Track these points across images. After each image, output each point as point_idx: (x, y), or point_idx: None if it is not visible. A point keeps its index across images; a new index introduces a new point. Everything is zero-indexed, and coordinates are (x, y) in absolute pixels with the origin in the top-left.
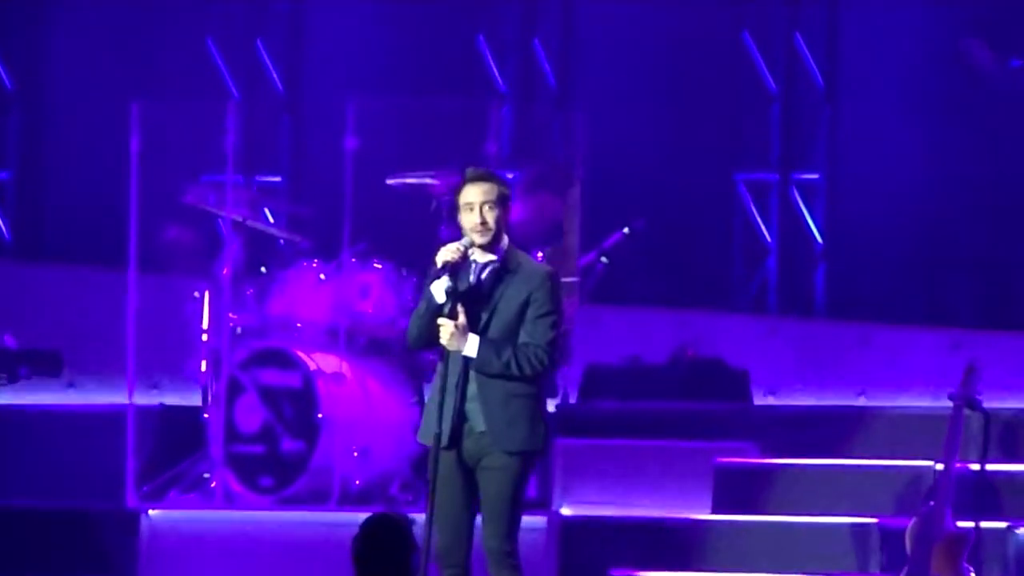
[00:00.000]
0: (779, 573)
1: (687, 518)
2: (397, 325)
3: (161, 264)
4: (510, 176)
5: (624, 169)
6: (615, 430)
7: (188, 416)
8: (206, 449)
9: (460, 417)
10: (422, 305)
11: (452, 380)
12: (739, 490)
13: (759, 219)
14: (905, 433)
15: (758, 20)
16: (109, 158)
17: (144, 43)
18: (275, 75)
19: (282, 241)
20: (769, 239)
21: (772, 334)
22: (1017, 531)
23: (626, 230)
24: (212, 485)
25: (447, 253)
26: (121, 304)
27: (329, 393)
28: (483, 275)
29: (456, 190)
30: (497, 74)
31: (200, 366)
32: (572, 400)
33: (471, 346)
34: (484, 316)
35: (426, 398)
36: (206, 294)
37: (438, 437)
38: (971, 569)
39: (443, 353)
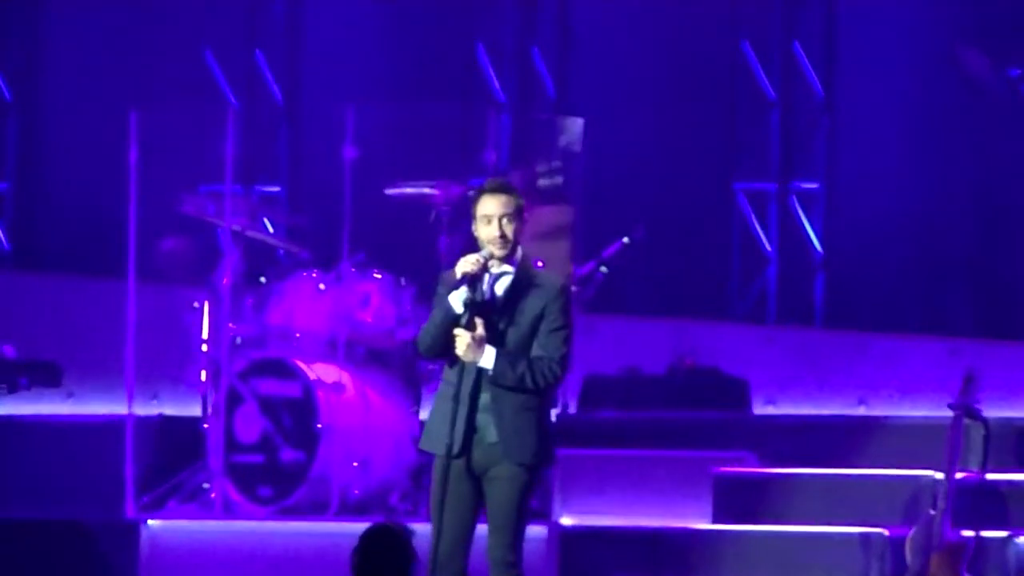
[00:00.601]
0: None
1: (687, 527)
2: (396, 335)
3: (160, 274)
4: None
5: (623, 178)
6: (614, 440)
7: (187, 426)
8: (205, 459)
9: (471, 427)
10: (437, 315)
11: (465, 390)
12: (739, 499)
13: (758, 228)
14: (905, 442)
15: (756, 28)
16: (107, 167)
17: (142, 52)
18: (274, 84)
19: (281, 251)
20: (768, 248)
21: (771, 343)
22: (1017, 540)
23: (625, 240)
24: (211, 495)
25: (467, 264)
26: (120, 314)
27: (328, 403)
28: (495, 285)
29: (473, 200)
30: (496, 83)
31: (199, 376)
32: (571, 410)
33: (487, 358)
34: (500, 326)
35: (423, 407)
36: (205, 304)
37: (449, 447)
38: None
39: (453, 362)
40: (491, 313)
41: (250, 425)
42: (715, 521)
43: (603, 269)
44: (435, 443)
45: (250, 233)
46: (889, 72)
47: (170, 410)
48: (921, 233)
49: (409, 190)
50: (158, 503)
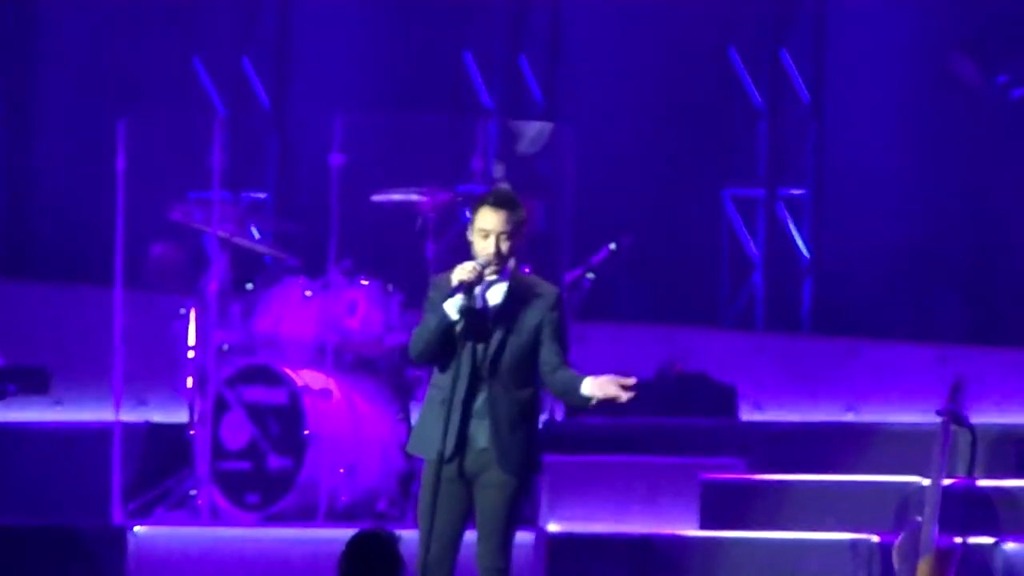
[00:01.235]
0: None
1: (674, 534)
2: (384, 342)
3: (149, 281)
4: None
5: (611, 185)
6: (602, 446)
7: (174, 433)
8: (192, 466)
9: (463, 433)
10: (431, 320)
11: (458, 396)
12: (726, 506)
13: (746, 234)
14: (892, 448)
15: (744, 36)
16: (96, 175)
17: (131, 60)
18: (261, 92)
19: (268, 258)
20: (756, 254)
21: (759, 349)
22: (1004, 546)
23: (612, 246)
24: (198, 502)
25: (463, 272)
26: (108, 321)
27: (315, 410)
28: (487, 293)
29: (474, 207)
30: (484, 90)
31: (186, 383)
32: (558, 417)
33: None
34: (497, 334)
35: (412, 414)
36: (192, 311)
37: (441, 453)
38: None
39: (445, 368)
40: (486, 321)
41: (237, 432)
42: (702, 527)
43: (590, 275)
44: (425, 448)
45: (237, 240)
46: (877, 79)
47: (157, 417)
48: (909, 239)
49: (396, 197)
50: (145, 510)
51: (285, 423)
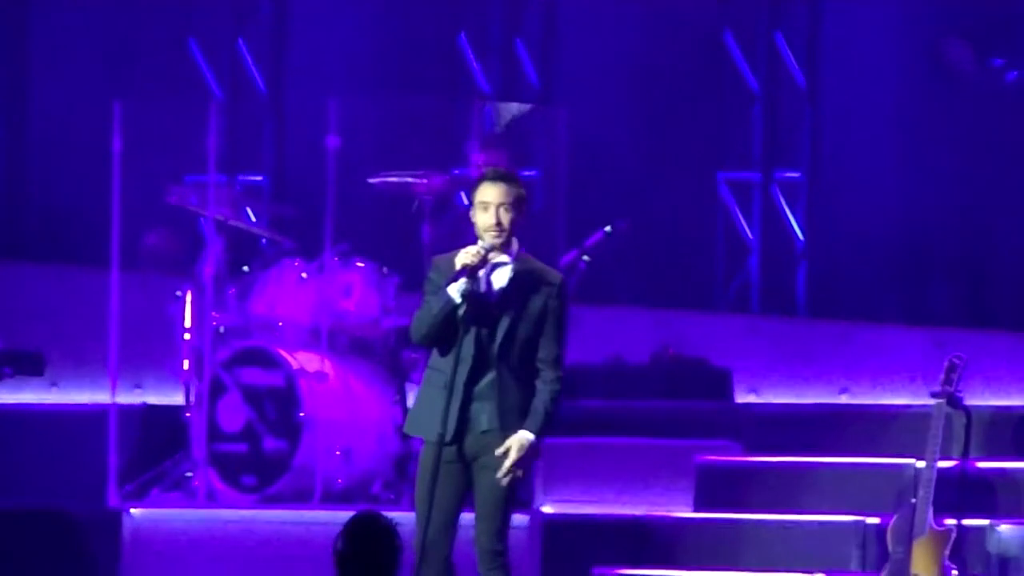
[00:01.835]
0: (761, 571)
1: (669, 516)
2: (379, 324)
3: (143, 267)
4: None
5: (606, 168)
6: (597, 429)
7: (170, 415)
8: (188, 448)
9: (464, 416)
10: (434, 304)
11: (460, 379)
12: (721, 488)
13: (741, 218)
14: (887, 431)
15: (739, 20)
16: (92, 158)
17: (126, 43)
18: (257, 75)
19: (264, 241)
20: (751, 238)
21: (754, 333)
22: (999, 528)
23: (607, 229)
24: (194, 484)
25: (467, 256)
26: (104, 304)
27: (311, 392)
28: (493, 275)
29: (473, 186)
30: (479, 74)
31: (182, 365)
32: None
33: (525, 440)
34: (502, 318)
35: (408, 396)
36: (188, 294)
37: (442, 436)
38: (953, 566)
39: (445, 351)
40: (490, 305)
41: (233, 414)
42: (697, 510)
43: (585, 258)
44: (425, 429)
45: (233, 223)
46: (872, 63)
47: (153, 399)
48: (904, 222)
49: (392, 180)
50: (141, 492)
51: (281, 405)
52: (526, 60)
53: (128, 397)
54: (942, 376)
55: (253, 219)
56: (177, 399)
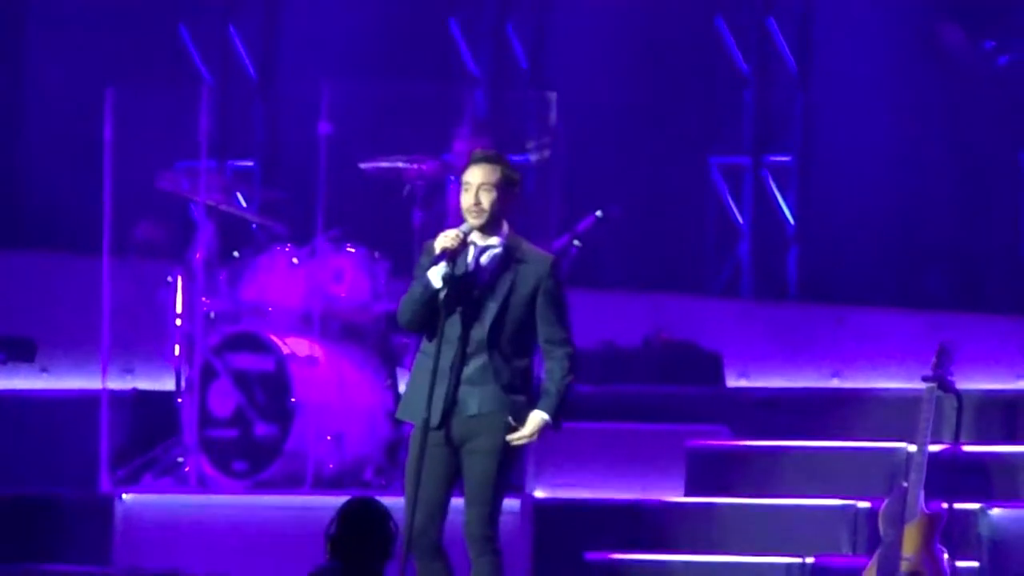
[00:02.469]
0: (752, 555)
1: (660, 500)
2: (370, 309)
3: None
4: None
5: (597, 153)
6: (589, 413)
7: (162, 401)
8: (180, 434)
9: (451, 400)
10: (417, 288)
11: (445, 363)
12: (712, 473)
13: (732, 202)
14: (878, 415)
15: (731, 5)
16: (83, 144)
17: (117, 29)
18: (248, 60)
19: (255, 226)
20: (742, 222)
21: (745, 317)
22: (990, 512)
23: (599, 213)
24: (186, 469)
25: (445, 240)
26: (95, 289)
27: (302, 377)
28: (482, 258)
29: (463, 170)
30: (470, 58)
31: (173, 351)
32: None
33: (542, 420)
34: (487, 301)
35: (400, 381)
36: (179, 279)
37: (427, 421)
38: (944, 550)
39: (433, 335)
40: (473, 288)
41: (224, 400)
42: (688, 494)
43: (576, 243)
44: (414, 414)
45: (224, 208)
46: (864, 47)
47: (144, 385)
48: (896, 206)
49: (383, 165)
50: (132, 478)
51: (272, 391)
52: (517, 45)
53: (119, 383)
54: (933, 360)
55: (244, 204)
56: (168, 385)
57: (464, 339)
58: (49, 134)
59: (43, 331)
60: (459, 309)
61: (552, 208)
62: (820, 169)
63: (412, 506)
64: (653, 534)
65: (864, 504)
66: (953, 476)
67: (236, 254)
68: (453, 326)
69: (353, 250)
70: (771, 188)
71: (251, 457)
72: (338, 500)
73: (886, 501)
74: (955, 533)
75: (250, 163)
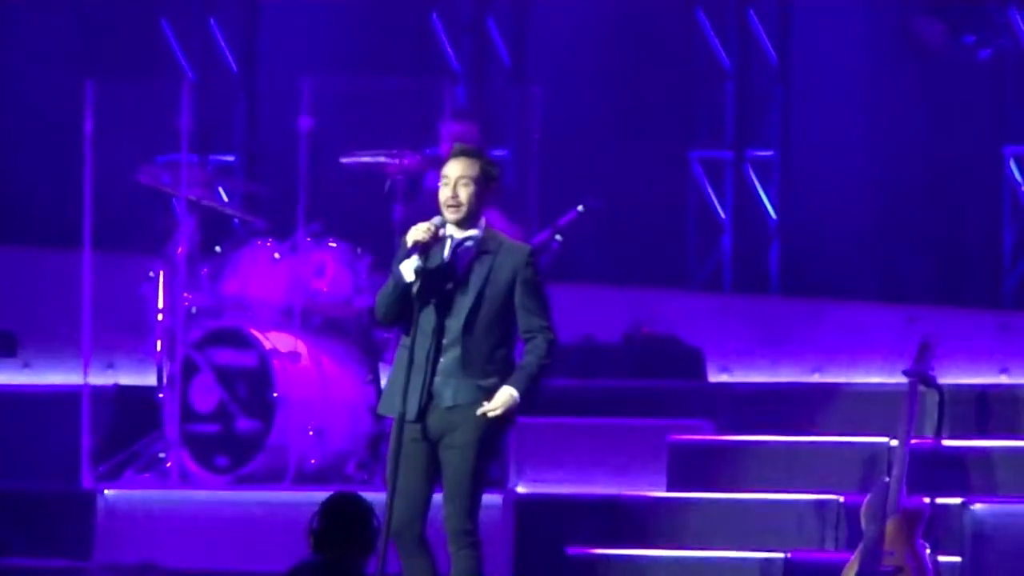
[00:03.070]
0: (734, 549)
1: (642, 495)
2: (352, 304)
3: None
4: None
5: (578, 147)
6: (570, 408)
7: (143, 396)
8: (161, 429)
9: (427, 392)
10: (390, 282)
11: (420, 355)
12: (694, 467)
13: (713, 196)
14: (860, 409)
15: None
16: (63, 138)
17: (98, 23)
18: (229, 55)
19: (237, 220)
20: (723, 216)
21: (726, 311)
22: (972, 507)
23: (580, 208)
24: (168, 465)
25: (417, 233)
26: (76, 284)
27: (284, 372)
28: (459, 251)
29: (441, 164)
30: (451, 53)
31: (155, 346)
32: None
33: (510, 396)
34: (471, 296)
35: (382, 376)
36: (161, 274)
37: (403, 415)
38: (926, 545)
39: (409, 328)
40: (448, 280)
41: (206, 395)
42: (670, 489)
43: (558, 238)
44: (393, 408)
45: (206, 203)
46: (844, 41)
47: (126, 380)
48: (877, 200)
49: (364, 159)
50: (114, 473)
51: (254, 386)
52: (498, 39)
53: (101, 378)
54: (915, 354)
55: (225, 199)
56: (150, 379)
57: (439, 331)
58: (29, 128)
59: (24, 326)
60: (433, 301)
61: (532, 202)
62: (801, 163)
63: (391, 500)
64: (635, 529)
65: (845, 499)
66: (935, 471)
67: (218, 249)
68: (429, 318)
69: (335, 245)
70: (752, 182)
71: (233, 452)
72: (320, 495)
73: (869, 496)
74: (937, 528)
75: (231, 158)
